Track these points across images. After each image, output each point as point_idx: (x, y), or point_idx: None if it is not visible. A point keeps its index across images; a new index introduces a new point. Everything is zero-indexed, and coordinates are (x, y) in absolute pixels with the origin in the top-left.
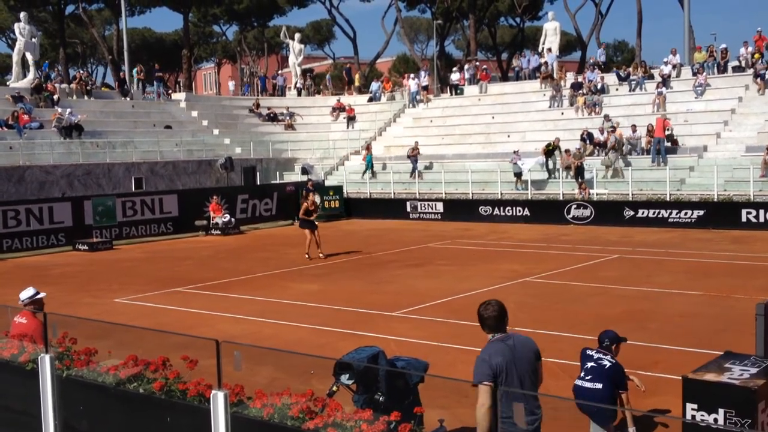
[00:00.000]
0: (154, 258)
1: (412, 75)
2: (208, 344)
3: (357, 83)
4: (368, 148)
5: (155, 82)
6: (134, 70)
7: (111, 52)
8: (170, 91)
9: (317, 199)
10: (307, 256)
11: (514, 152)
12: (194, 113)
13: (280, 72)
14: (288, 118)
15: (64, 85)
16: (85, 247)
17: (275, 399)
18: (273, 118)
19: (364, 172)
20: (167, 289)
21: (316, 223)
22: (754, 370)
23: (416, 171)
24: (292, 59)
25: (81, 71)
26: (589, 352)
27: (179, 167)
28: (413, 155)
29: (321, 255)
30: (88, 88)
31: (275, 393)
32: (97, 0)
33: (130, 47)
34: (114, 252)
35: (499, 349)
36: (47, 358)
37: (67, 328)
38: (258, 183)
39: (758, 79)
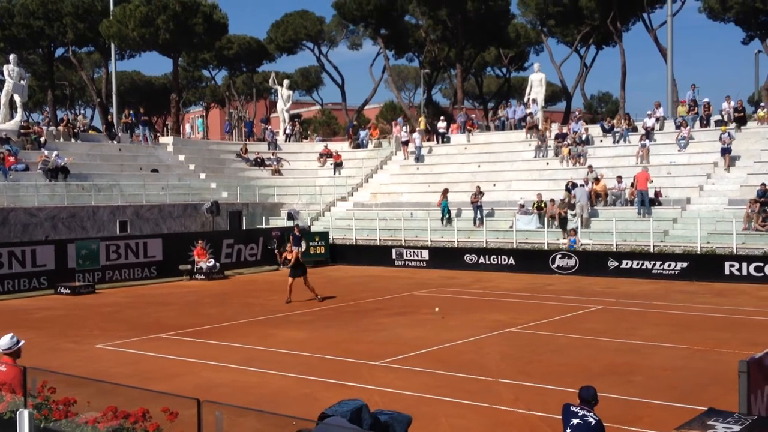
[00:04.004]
0: (137, 303)
1: (402, 127)
2: (189, 394)
3: (422, 126)
4: (444, 192)
5: (140, 126)
6: (122, 114)
7: (99, 95)
8: (158, 135)
9: (303, 246)
10: (288, 301)
11: (521, 206)
12: (181, 157)
13: (269, 126)
14: (275, 163)
15: (51, 128)
16: (67, 291)
17: None
18: (260, 163)
19: (443, 219)
20: (150, 335)
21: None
22: (737, 428)
23: (479, 218)
24: (280, 105)
25: (69, 113)
26: (573, 408)
27: (165, 211)
28: (476, 201)
29: (318, 298)
30: (75, 130)
31: None
32: (87, 43)
33: (119, 90)
34: (96, 296)
35: None
36: (26, 413)
37: (47, 376)
38: (244, 227)
39: (725, 156)
